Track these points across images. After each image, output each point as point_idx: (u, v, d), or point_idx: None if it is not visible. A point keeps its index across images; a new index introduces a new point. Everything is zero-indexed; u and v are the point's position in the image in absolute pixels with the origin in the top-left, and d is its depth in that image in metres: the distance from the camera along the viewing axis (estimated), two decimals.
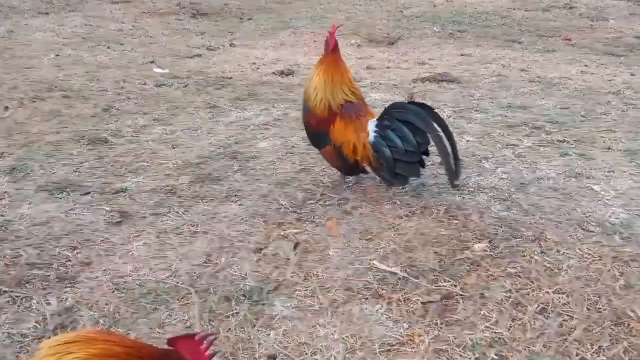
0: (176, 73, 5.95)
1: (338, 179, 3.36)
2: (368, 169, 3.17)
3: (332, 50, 3.13)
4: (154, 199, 3.19)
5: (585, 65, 6.97)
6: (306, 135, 3.32)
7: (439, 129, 2.91)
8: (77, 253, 2.66)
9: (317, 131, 3.15)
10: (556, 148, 3.81)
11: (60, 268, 2.53)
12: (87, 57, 6.62)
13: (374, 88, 5.54)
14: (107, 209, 3.06)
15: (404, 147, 2.93)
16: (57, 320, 2.20)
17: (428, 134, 2.89)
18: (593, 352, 2.05)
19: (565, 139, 3.96)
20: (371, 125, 3.04)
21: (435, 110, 2.99)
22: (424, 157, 3.01)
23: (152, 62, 6.46)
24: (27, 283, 2.42)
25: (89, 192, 3.25)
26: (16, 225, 2.89)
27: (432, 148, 2.98)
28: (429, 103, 4.73)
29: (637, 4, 11.33)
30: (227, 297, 2.36)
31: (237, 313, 2.27)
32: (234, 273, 2.53)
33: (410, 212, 3.03)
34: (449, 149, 2.93)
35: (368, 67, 6.59)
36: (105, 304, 2.31)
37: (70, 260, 2.59)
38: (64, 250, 2.67)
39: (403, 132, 2.92)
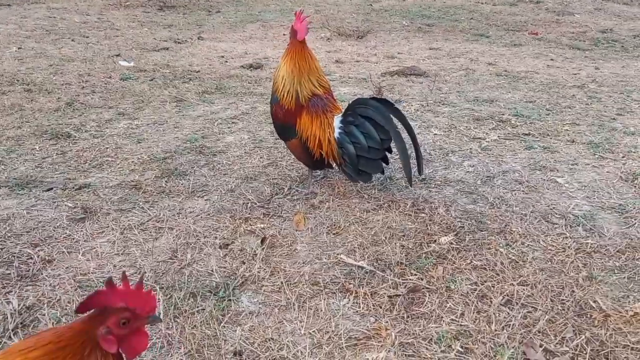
0: (142, 66, 5.86)
1: (306, 173, 3.35)
2: (333, 164, 3.14)
3: (297, 38, 3.06)
4: (118, 194, 3.14)
5: (551, 59, 7.07)
6: (273, 126, 3.27)
7: (398, 125, 2.90)
8: (38, 250, 2.59)
9: (284, 123, 3.11)
10: (521, 141, 3.85)
11: (21, 266, 2.47)
12: (51, 50, 6.48)
13: (343, 82, 5.53)
14: (70, 205, 3.00)
15: (367, 143, 2.91)
16: (18, 319, 2.15)
17: (388, 130, 2.87)
18: (557, 343, 2.08)
19: (531, 132, 4.01)
20: (336, 121, 3.02)
21: (396, 106, 2.97)
22: (387, 154, 3.00)
23: (117, 55, 6.36)
24: None
25: (51, 188, 3.18)
26: None
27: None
28: (396, 97, 4.77)
29: None
30: (192, 294, 2.33)
31: (203, 309, 2.24)
32: (200, 269, 2.50)
33: (377, 205, 3.03)
34: (410, 146, 2.92)
35: (337, 61, 6.58)
36: (68, 302, 2.26)
37: (31, 258, 2.53)
38: (26, 247, 2.61)
39: (366, 129, 2.91)
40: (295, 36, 3.06)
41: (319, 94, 3.09)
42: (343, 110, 3.04)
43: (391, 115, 2.88)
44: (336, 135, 3.00)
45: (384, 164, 3.02)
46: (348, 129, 2.96)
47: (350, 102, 3.00)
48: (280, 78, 3.07)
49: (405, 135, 2.93)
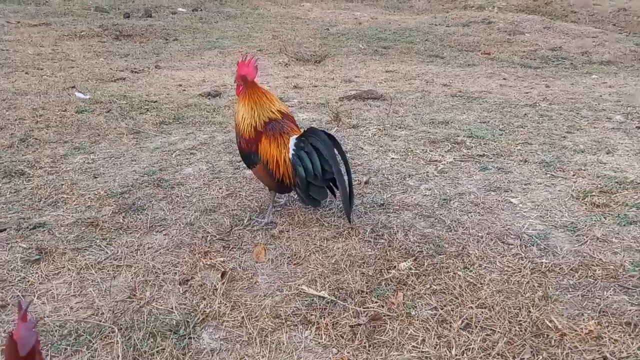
0: (98, 98, 5.80)
1: (266, 204, 3.35)
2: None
3: (248, 80, 3.14)
4: (74, 232, 3.09)
5: (504, 79, 7.27)
6: (241, 158, 3.30)
7: (339, 162, 2.98)
8: None
9: (249, 152, 3.15)
10: (476, 163, 3.93)
11: None
12: (4, 84, 6.36)
13: (302, 107, 5.57)
14: (24, 246, 2.94)
15: (313, 171, 2.98)
16: None
17: (332, 165, 2.95)
18: None
19: (485, 153, 4.10)
20: (291, 143, 3.07)
21: (339, 142, 3.04)
22: (332, 185, 3.10)
23: (73, 87, 6.28)
24: None
25: (4, 229, 3.11)
26: None
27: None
28: (355, 122, 4.82)
29: (550, 18, 11.91)
30: (152, 333, 2.30)
31: (163, 349, 2.21)
32: (160, 307, 2.47)
33: (337, 233, 3.05)
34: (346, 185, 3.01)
35: (295, 87, 6.63)
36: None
37: None
38: None
39: (312, 158, 2.98)
40: (246, 80, 3.14)
41: (275, 118, 3.15)
42: (300, 133, 3.09)
43: (335, 152, 2.98)
44: (290, 156, 3.05)
45: (330, 192, 3.13)
46: (299, 153, 3.02)
47: (307, 128, 3.06)
48: (241, 117, 3.16)
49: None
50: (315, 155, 2.98)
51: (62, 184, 3.67)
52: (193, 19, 12.18)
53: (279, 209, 3.35)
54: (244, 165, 3.35)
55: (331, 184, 3.10)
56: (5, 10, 12.20)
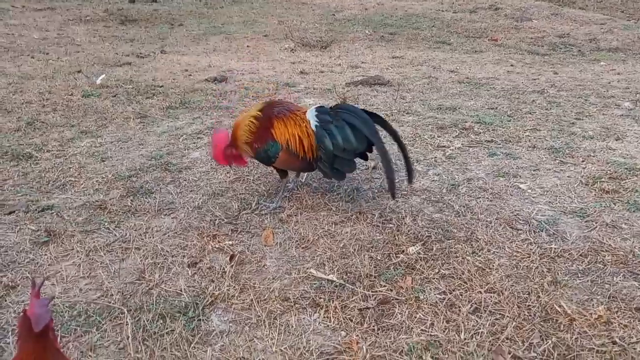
0: (105, 82, 5.79)
1: (274, 186, 3.35)
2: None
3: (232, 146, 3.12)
4: (82, 215, 3.09)
5: (511, 65, 7.22)
6: (259, 161, 3.20)
7: (383, 141, 2.90)
8: (2, 276, 2.53)
9: (265, 147, 3.04)
10: (484, 148, 3.91)
11: None
12: (10, 68, 6.36)
13: (308, 93, 5.55)
14: (33, 228, 2.94)
15: (343, 145, 2.94)
16: None
17: (374, 146, 2.89)
18: (524, 349, 2.11)
19: (493, 138, 4.08)
20: (311, 114, 3.02)
21: (385, 119, 2.98)
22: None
23: (79, 71, 6.27)
24: None
25: (13, 211, 3.11)
26: None
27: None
28: (362, 107, 4.80)
29: (557, 4, 11.82)
30: (161, 315, 2.30)
31: (173, 331, 2.22)
32: (169, 289, 2.48)
33: (345, 217, 3.05)
34: (401, 158, 2.96)
35: (302, 72, 6.60)
36: None
37: None
38: None
39: (345, 132, 2.93)
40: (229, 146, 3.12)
41: (266, 105, 3.12)
42: (316, 106, 3.05)
43: (376, 127, 2.90)
44: (313, 127, 3.00)
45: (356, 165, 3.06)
46: (327, 126, 2.97)
47: (339, 103, 3.00)
48: (240, 134, 3.09)
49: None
50: (348, 129, 2.91)
51: (70, 167, 3.68)
52: (198, 4, 12.14)
53: (287, 194, 3.34)
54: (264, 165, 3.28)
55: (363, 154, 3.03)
56: None
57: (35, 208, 3.16)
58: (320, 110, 3.03)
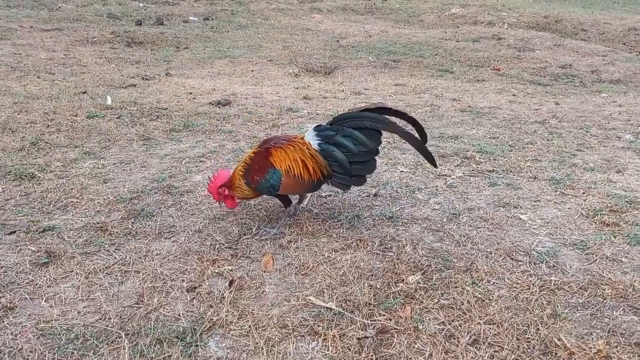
0: (108, 103, 5.82)
1: (275, 212, 3.35)
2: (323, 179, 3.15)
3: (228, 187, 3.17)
4: (83, 237, 3.09)
5: (513, 95, 7.27)
6: (264, 194, 3.20)
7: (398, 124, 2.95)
8: (0, 297, 2.53)
9: (264, 177, 3.04)
10: (486, 178, 3.92)
11: None
12: (15, 87, 6.41)
13: (311, 118, 5.58)
14: (33, 248, 2.94)
15: (357, 149, 2.96)
16: None
17: (396, 133, 2.93)
18: None
19: (494, 168, 4.09)
20: (310, 136, 3.05)
21: (388, 106, 3.04)
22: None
23: (84, 92, 6.32)
24: None
25: (14, 232, 3.12)
26: None
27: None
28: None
29: (560, 35, 11.94)
30: (159, 340, 2.29)
31: (170, 356, 2.21)
32: (167, 314, 2.47)
33: (345, 245, 3.05)
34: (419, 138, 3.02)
35: (305, 97, 6.65)
36: (30, 352, 2.21)
37: None
38: None
39: (356, 136, 2.96)
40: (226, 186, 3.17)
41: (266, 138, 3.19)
42: (313, 127, 3.08)
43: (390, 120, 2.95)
44: (316, 147, 3.02)
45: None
46: (332, 140, 2.99)
47: (336, 116, 3.05)
48: (237, 182, 3.13)
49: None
50: (358, 133, 2.95)
51: (72, 188, 3.69)
52: (204, 27, 12.26)
53: (289, 220, 3.35)
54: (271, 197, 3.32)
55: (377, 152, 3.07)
56: (19, 14, 12.31)
57: (36, 229, 3.16)
58: (320, 128, 3.05)
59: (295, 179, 3.03)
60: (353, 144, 2.97)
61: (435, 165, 3.14)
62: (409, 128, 3.04)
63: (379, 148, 3.07)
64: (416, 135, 3.04)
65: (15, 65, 7.69)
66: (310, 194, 3.44)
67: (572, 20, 14.13)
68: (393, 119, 3.00)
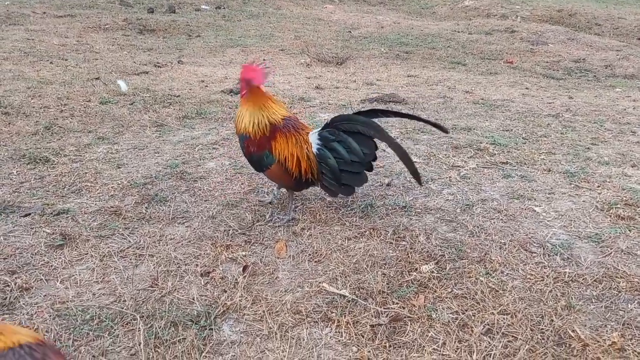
0: (120, 89, 5.84)
1: (286, 200, 3.36)
2: (315, 182, 3.15)
3: (254, 84, 3.06)
4: (97, 220, 3.11)
5: (526, 88, 7.22)
6: (249, 163, 3.22)
7: (392, 135, 2.98)
8: (16, 278, 2.55)
9: (260, 154, 3.07)
10: (499, 170, 3.91)
11: None
12: (29, 73, 6.43)
13: (323, 108, 5.57)
14: (48, 231, 2.96)
15: (349, 158, 2.95)
16: None
17: (385, 143, 2.90)
18: None
19: (508, 160, 4.07)
20: (313, 137, 3.05)
21: (382, 109, 3.06)
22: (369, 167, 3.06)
23: (97, 78, 6.33)
24: None
25: (29, 214, 3.14)
26: None
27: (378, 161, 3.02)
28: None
29: (574, 29, 11.84)
30: (173, 323, 2.31)
31: (184, 339, 2.22)
32: (181, 297, 2.48)
33: (359, 233, 3.05)
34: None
35: (317, 87, 6.64)
36: (46, 332, 2.22)
37: (8, 285, 2.49)
38: (2, 274, 2.56)
39: (349, 144, 2.94)
40: (251, 84, 3.05)
41: (288, 115, 3.13)
42: (317, 128, 3.08)
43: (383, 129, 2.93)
44: (315, 150, 3.03)
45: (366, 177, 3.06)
46: (329, 145, 2.99)
47: (332, 118, 3.03)
48: (248, 120, 3.06)
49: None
50: (351, 140, 2.93)
51: (86, 173, 3.70)
52: (216, 16, 12.25)
53: (300, 205, 3.35)
54: (254, 170, 3.27)
55: (370, 165, 3.05)
56: (32, 0, 12.34)
57: (51, 211, 3.18)
58: (323, 134, 3.03)
59: (284, 171, 3.06)
60: (346, 152, 2.96)
61: (420, 183, 3.09)
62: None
63: (373, 164, 3.06)
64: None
65: (29, 51, 7.72)
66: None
67: (586, 15, 14.03)
68: (384, 127, 2.97)
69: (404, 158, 2.85)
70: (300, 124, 3.13)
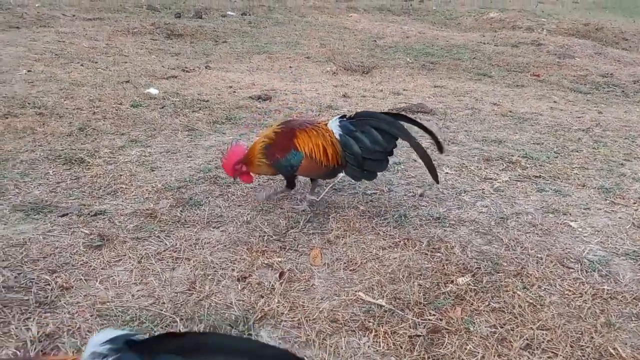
0: (152, 94, 5.89)
1: (320, 207, 3.36)
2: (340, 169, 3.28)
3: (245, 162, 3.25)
4: (134, 222, 3.14)
5: (554, 102, 7.17)
6: (280, 173, 3.32)
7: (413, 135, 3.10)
8: (56, 277, 2.58)
9: (286, 154, 3.16)
10: (532, 183, 3.88)
11: (39, 292, 2.45)
12: (60, 74, 6.51)
13: None
14: (86, 231, 2.99)
15: (373, 147, 3.09)
16: (38, 346, 2.13)
17: (407, 141, 3.07)
18: None
19: (541, 174, 4.05)
20: (333, 125, 3.18)
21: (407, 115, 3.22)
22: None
23: (127, 81, 6.40)
24: (5, 307, 2.34)
25: (66, 214, 3.17)
26: None
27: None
28: None
29: (601, 43, 11.75)
30: (212, 327, 2.31)
31: None
32: (219, 301, 2.49)
33: (393, 243, 3.04)
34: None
35: (344, 95, 6.65)
36: (88, 331, 2.25)
37: (49, 284, 2.51)
38: (43, 273, 2.59)
39: (373, 135, 3.08)
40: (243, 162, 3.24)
41: (281, 124, 3.28)
42: (338, 117, 3.22)
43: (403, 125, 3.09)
44: (337, 137, 3.15)
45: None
46: (352, 134, 3.12)
47: (357, 112, 3.20)
48: (258, 158, 3.22)
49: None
50: (375, 132, 3.08)
51: (121, 175, 3.74)
52: (242, 22, 12.33)
53: (334, 214, 3.35)
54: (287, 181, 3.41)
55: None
56: (61, 3, 12.52)
57: (88, 212, 3.21)
58: (343, 121, 3.19)
59: (315, 162, 3.16)
60: (369, 142, 3.09)
61: (437, 181, 3.24)
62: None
63: (393, 150, 3.18)
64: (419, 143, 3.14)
65: (59, 53, 7.82)
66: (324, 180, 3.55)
67: (613, 29, 13.91)
68: (408, 127, 3.12)
69: (424, 158, 3.08)
70: (309, 119, 3.26)
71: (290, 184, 3.40)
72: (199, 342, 0.99)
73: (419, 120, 3.20)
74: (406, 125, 3.11)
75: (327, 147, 3.15)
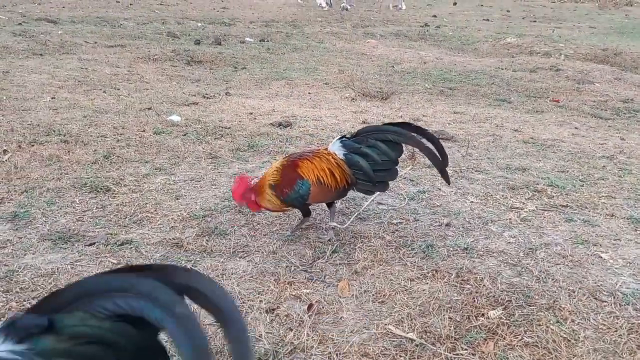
0: (174, 121, 5.94)
1: (344, 237, 3.34)
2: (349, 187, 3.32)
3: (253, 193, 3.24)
4: (160, 252, 3.14)
5: (576, 128, 7.13)
6: (293, 206, 3.32)
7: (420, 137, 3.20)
8: None
9: (293, 186, 3.16)
10: (560, 213, 3.84)
11: None
12: (84, 101, 6.59)
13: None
14: (114, 261, 3.00)
15: (380, 159, 3.16)
16: None
17: (413, 146, 3.24)
18: None
19: (568, 203, 4.00)
20: (335, 146, 3.23)
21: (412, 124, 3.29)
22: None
23: (149, 108, 6.46)
24: None
25: (93, 243, 3.18)
26: (20, 275, 2.81)
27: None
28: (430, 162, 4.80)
29: (620, 69, 11.71)
30: None
31: None
32: (248, 334, 2.47)
33: (421, 274, 3.01)
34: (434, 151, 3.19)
35: (364, 122, 6.65)
36: None
37: None
38: None
39: (379, 147, 3.15)
40: (251, 194, 3.23)
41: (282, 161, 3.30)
42: (337, 139, 3.28)
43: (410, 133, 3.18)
44: (341, 157, 3.20)
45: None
46: (358, 151, 3.18)
47: (358, 129, 3.27)
48: (267, 193, 3.21)
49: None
50: (382, 144, 3.15)
51: (146, 203, 3.75)
52: (260, 49, 12.45)
53: (360, 244, 3.33)
54: (299, 211, 3.44)
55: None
56: (83, 30, 12.74)
57: (115, 241, 3.22)
58: (344, 140, 3.25)
59: (323, 187, 3.17)
60: (377, 155, 3.16)
61: (448, 182, 3.39)
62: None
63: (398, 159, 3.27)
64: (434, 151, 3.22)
65: (82, 80, 7.93)
66: (338, 201, 3.58)
67: (632, 54, 13.85)
68: (414, 134, 3.21)
69: (434, 161, 3.18)
70: (313, 148, 3.31)
71: (306, 213, 3.41)
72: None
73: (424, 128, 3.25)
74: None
75: (333, 169, 3.19)
